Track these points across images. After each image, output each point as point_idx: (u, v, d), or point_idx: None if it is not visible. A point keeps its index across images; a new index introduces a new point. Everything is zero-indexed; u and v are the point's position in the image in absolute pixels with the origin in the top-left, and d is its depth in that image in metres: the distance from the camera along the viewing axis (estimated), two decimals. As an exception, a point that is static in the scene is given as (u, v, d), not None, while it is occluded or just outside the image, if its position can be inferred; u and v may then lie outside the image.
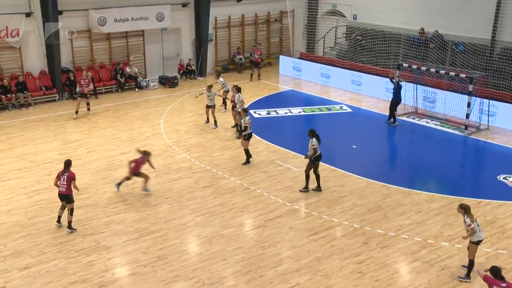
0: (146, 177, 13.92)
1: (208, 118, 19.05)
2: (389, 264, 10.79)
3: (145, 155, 13.91)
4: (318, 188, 14.00)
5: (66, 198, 11.97)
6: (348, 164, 15.64)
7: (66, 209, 12.04)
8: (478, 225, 10.13)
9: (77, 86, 20.44)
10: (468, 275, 10.32)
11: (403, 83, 19.31)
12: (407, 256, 11.10)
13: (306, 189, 14.00)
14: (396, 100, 19.04)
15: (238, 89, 17.97)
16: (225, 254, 11.15)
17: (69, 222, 12.02)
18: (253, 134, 16.12)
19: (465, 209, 10.09)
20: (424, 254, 11.13)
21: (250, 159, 15.73)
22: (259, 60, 25.53)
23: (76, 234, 11.89)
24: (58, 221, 12.21)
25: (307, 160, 13.83)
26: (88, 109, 20.31)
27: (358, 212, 12.92)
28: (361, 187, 14.30)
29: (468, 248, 10.33)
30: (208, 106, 18.76)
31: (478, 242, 10.16)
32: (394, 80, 19.17)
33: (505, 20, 20.81)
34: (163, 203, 13.40)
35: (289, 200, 13.55)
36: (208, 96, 18.54)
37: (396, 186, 14.31)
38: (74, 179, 11.95)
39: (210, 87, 18.66)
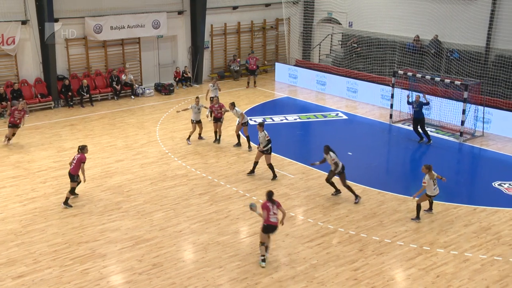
0: None
1: (200, 133, 18.26)
2: (385, 271, 10.77)
3: None
4: (357, 198, 13.81)
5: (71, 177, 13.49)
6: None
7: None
8: (434, 184, 12.54)
9: (9, 115, 17.91)
10: (418, 217, 12.79)
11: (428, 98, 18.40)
12: (402, 263, 11.10)
13: (356, 197, 13.81)
14: (419, 118, 17.97)
15: (233, 104, 17.39)
16: (221, 261, 11.12)
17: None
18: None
19: (429, 169, 12.53)
20: (420, 261, 11.13)
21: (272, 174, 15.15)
22: (254, 67, 25.61)
23: (71, 241, 11.85)
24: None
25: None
26: (9, 139, 17.76)
27: (353, 219, 12.91)
28: (357, 193, 14.29)
29: (421, 198, 12.74)
30: (193, 121, 17.77)
31: (431, 196, 12.73)
32: (414, 99, 18.14)
33: (499, 28, 20.96)
34: (159, 210, 13.36)
35: (285, 207, 13.43)
36: (199, 109, 17.66)
37: (392, 193, 14.32)
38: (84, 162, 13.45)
39: (198, 98, 17.95)
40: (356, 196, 13.78)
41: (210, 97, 19.88)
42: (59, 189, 14.51)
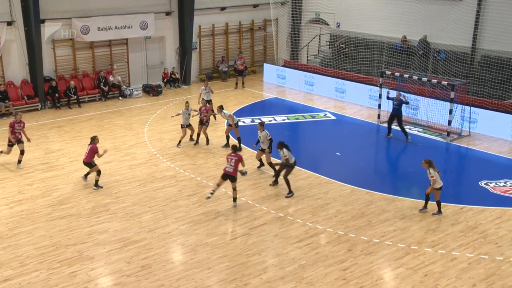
0: None
1: (191, 135, 18.17)
2: (374, 271, 10.82)
3: None
4: (290, 193, 14.18)
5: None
6: (332, 171, 15.71)
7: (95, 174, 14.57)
8: (439, 175, 12.84)
9: (10, 132, 15.83)
10: (439, 211, 13.15)
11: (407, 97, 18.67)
12: (391, 262, 11.16)
13: (290, 193, 14.10)
14: (397, 114, 18.32)
15: (221, 107, 17.39)
16: (209, 262, 11.10)
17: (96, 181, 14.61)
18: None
19: (429, 163, 12.82)
20: (408, 260, 11.20)
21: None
22: (242, 68, 25.61)
23: (59, 244, 11.76)
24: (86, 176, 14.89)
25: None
26: (19, 161, 15.94)
27: (342, 219, 12.96)
28: (345, 194, 14.36)
29: (428, 194, 13.08)
30: (183, 126, 17.68)
31: (440, 188, 12.92)
32: (395, 97, 18.41)
33: (484, 28, 21.17)
34: (147, 212, 13.31)
35: (274, 207, 13.56)
36: (189, 114, 17.53)
37: (380, 193, 14.39)
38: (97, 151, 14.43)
39: (188, 103, 17.78)
40: (290, 191, 14.07)
41: (203, 99, 19.85)
42: (46, 191, 14.41)
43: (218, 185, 13.41)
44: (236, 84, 25.62)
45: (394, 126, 18.69)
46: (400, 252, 11.50)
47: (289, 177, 14.18)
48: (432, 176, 12.78)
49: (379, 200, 13.97)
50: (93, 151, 14.38)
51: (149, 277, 10.59)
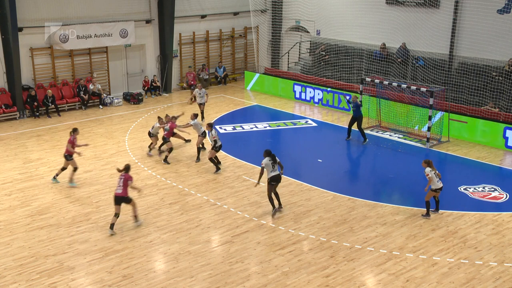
0: None
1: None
2: (356, 277, 10.87)
3: None
4: (279, 207, 13.79)
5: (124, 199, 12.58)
6: (314, 178, 15.77)
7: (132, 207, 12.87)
8: (436, 176, 12.98)
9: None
10: (428, 214, 13.36)
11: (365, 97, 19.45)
12: (373, 268, 11.22)
13: (274, 208, 13.66)
14: (355, 116, 18.83)
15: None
16: (192, 271, 11.04)
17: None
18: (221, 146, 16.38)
19: (427, 163, 13.11)
20: (390, 266, 11.27)
21: (220, 168, 16.29)
22: (193, 82, 25.40)
23: (38, 255, 11.58)
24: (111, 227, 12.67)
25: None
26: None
27: (324, 226, 13.00)
28: (327, 200, 14.42)
29: (428, 194, 13.18)
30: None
31: (436, 190, 13.08)
32: (351, 99, 19.13)
33: (461, 36, 21.53)
34: (129, 221, 13.19)
35: (256, 215, 13.55)
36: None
37: (362, 199, 14.48)
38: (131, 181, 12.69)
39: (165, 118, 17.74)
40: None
41: (198, 103, 20.78)
42: (25, 201, 14.19)
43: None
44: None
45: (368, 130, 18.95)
46: (382, 258, 11.57)
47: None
48: (427, 174, 12.99)
49: (361, 206, 14.06)
50: (127, 181, 12.60)
51: (131, 286, 10.49)
